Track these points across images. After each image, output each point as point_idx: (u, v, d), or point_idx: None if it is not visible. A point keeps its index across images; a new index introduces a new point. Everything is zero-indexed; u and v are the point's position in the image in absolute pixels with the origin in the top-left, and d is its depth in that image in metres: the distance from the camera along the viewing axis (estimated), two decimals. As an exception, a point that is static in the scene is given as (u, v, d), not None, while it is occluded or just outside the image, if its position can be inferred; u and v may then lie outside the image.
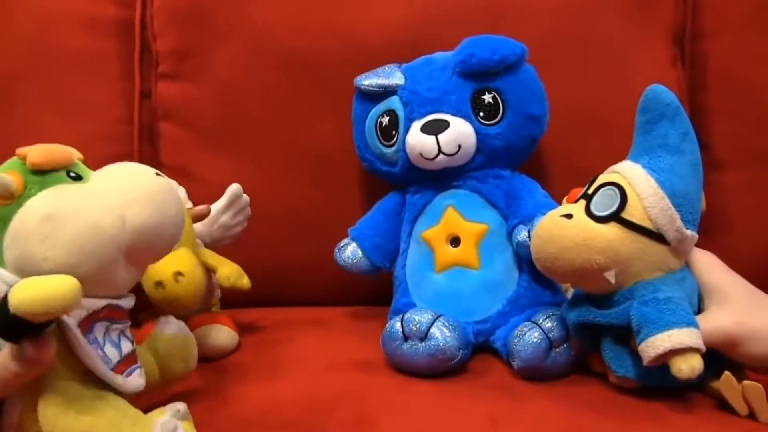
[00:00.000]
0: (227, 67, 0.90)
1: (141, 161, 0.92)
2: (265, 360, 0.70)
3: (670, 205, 0.57)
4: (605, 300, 0.60)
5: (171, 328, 0.59)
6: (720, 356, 0.57)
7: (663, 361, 0.54)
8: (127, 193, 0.48)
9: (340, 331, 0.79)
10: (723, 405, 0.56)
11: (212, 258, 0.74)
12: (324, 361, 0.69)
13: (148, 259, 0.53)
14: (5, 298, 0.43)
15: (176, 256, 0.66)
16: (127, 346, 0.52)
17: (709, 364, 0.55)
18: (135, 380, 0.51)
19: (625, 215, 0.58)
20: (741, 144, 0.88)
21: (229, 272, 0.72)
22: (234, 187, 0.77)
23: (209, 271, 0.73)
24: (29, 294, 0.42)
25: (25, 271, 0.46)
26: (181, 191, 0.81)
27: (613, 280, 0.57)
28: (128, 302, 0.52)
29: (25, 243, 0.46)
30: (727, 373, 0.55)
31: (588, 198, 0.60)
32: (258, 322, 0.83)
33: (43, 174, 0.48)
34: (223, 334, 0.73)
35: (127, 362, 0.51)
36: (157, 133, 0.94)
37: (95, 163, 0.88)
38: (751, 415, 0.55)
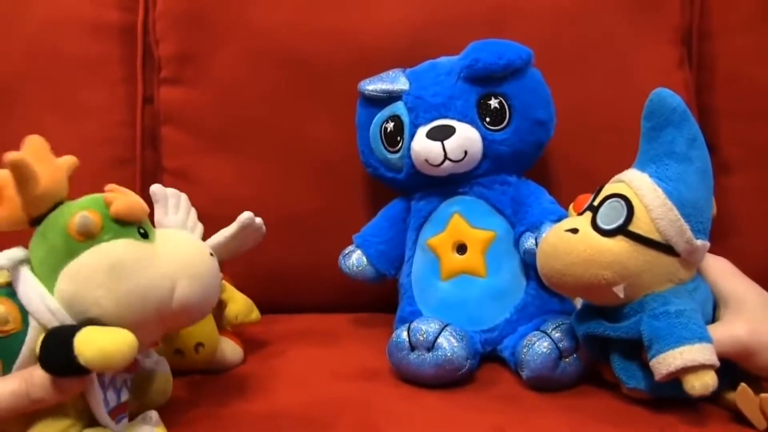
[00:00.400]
0: (229, 71, 0.89)
1: (143, 165, 0.93)
2: (268, 368, 0.70)
3: (679, 216, 0.56)
4: (615, 313, 0.59)
5: (152, 363, 0.60)
6: (735, 366, 0.56)
7: (675, 377, 0.53)
8: (184, 265, 0.52)
9: (345, 339, 0.79)
10: (739, 417, 0.55)
11: (224, 292, 0.74)
12: (328, 370, 0.68)
13: (176, 326, 0.56)
14: (68, 342, 0.46)
15: (199, 325, 0.66)
16: (124, 395, 0.53)
17: (724, 374, 0.54)
18: (121, 429, 0.52)
19: (632, 228, 0.56)
20: (750, 146, 0.87)
21: (238, 310, 0.73)
22: (244, 217, 0.73)
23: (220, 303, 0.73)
24: (100, 349, 0.46)
25: (72, 306, 0.48)
26: (184, 198, 0.79)
27: (622, 295, 0.56)
28: (142, 356, 0.55)
29: (84, 282, 0.48)
30: (743, 384, 0.54)
31: (594, 210, 0.59)
32: (261, 330, 0.81)
33: (119, 224, 0.50)
34: (228, 349, 0.72)
35: (120, 410, 0.52)
36: (159, 137, 0.93)
37: (97, 167, 0.89)
38: (769, 429, 0.54)
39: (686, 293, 0.57)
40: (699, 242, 0.57)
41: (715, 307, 0.59)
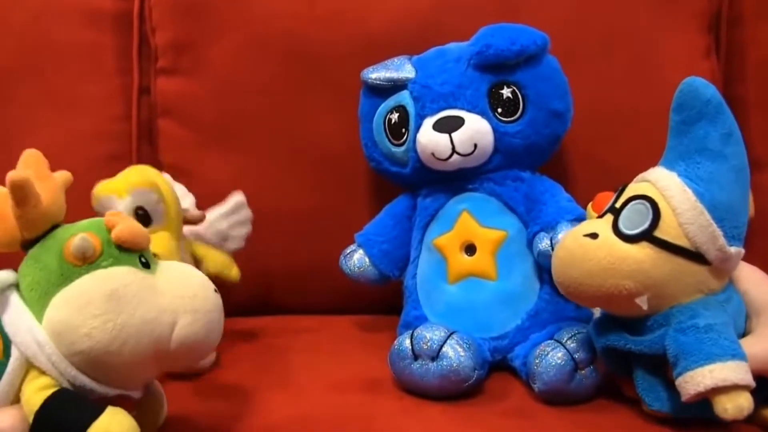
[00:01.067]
0: (228, 62, 0.87)
1: (139, 160, 0.93)
2: (263, 376, 0.68)
3: (711, 220, 0.52)
4: (637, 325, 0.55)
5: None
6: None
7: (704, 397, 0.49)
8: (186, 300, 0.49)
9: (346, 344, 0.77)
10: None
11: (199, 248, 0.74)
12: (327, 379, 0.66)
13: (172, 367, 0.54)
14: None
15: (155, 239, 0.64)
16: None
17: (759, 388, 0.50)
18: None
19: (658, 234, 0.53)
20: (782, 141, 0.83)
21: (215, 266, 0.73)
22: (238, 197, 0.75)
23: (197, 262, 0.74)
24: None
25: (61, 337, 0.46)
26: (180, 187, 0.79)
27: (645, 306, 0.53)
28: (138, 394, 0.52)
29: (78, 309, 0.46)
30: None
31: (615, 213, 0.55)
32: (257, 332, 0.80)
33: (120, 249, 0.48)
34: None
35: None
36: (156, 131, 0.92)
37: (92, 162, 0.86)
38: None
39: (717, 305, 0.53)
40: (733, 250, 0.53)
41: (747, 318, 0.56)
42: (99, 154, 0.89)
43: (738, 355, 0.49)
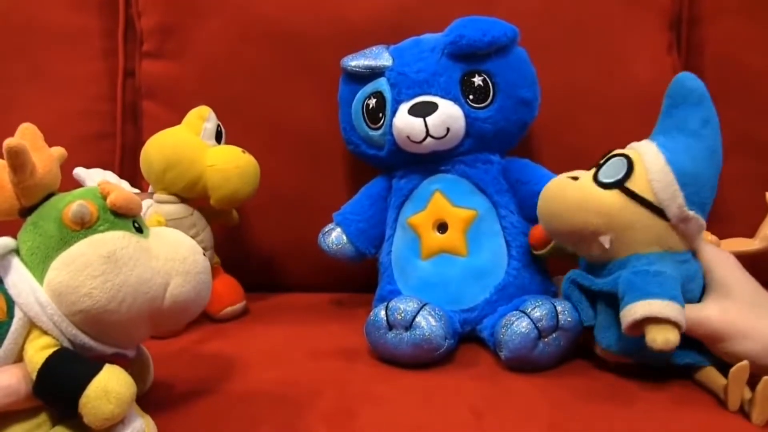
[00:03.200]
0: (212, 46, 0.88)
1: (123, 140, 0.94)
2: (246, 347, 0.69)
3: (675, 181, 0.57)
4: (601, 269, 0.60)
5: (131, 353, 0.58)
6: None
7: (640, 330, 0.53)
8: (177, 262, 0.51)
9: (324, 319, 0.78)
10: (719, 400, 0.55)
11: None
12: (306, 349, 0.68)
13: (165, 326, 0.55)
14: (75, 396, 0.45)
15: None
16: None
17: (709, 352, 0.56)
18: None
19: (628, 185, 0.58)
20: (739, 133, 0.85)
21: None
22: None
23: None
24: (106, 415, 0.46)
25: (62, 297, 0.47)
26: (110, 175, 0.81)
27: (607, 245, 0.58)
28: (132, 353, 0.53)
29: (78, 271, 0.47)
30: (745, 362, 0.53)
31: (598, 167, 0.60)
32: None
33: (115, 215, 0.50)
34: None
35: None
36: (140, 112, 0.92)
37: (77, 142, 0.88)
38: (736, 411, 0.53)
39: (673, 261, 0.58)
40: (691, 213, 0.57)
41: (704, 291, 0.60)
42: (85, 133, 0.91)
43: (676, 298, 0.54)
